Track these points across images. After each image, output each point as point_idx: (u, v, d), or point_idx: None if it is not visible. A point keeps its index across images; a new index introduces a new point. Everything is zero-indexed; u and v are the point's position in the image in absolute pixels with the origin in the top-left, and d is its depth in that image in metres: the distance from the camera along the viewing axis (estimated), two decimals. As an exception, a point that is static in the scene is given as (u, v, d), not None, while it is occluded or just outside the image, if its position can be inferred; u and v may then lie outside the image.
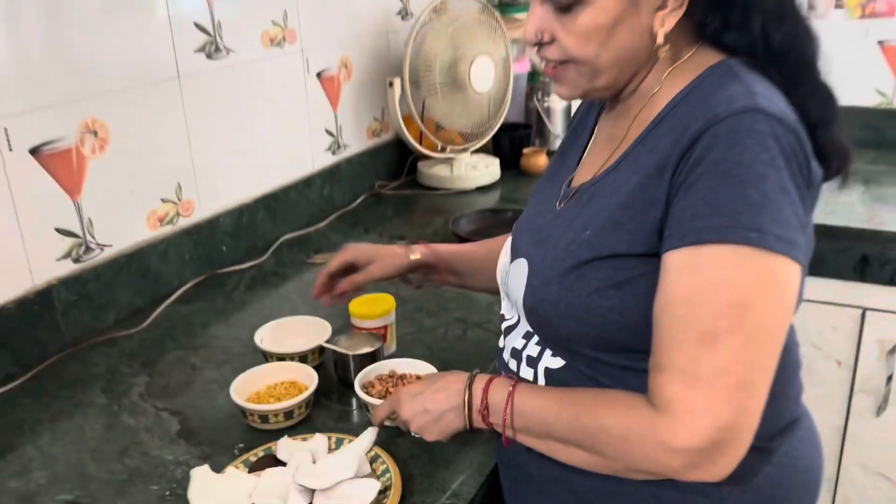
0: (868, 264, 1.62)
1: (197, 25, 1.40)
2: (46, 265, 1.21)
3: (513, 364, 0.89)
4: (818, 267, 1.65)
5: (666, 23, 0.76)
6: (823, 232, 1.63)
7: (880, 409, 1.68)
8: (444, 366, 1.05)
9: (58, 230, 1.22)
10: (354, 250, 1.09)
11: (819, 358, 1.72)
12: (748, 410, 0.68)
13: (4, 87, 1.11)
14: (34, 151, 1.16)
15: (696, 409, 0.67)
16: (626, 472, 0.75)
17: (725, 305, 0.67)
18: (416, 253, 1.10)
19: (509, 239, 0.94)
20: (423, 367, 1.05)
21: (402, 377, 1.04)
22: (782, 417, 0.82)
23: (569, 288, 0.77)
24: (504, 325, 0.93)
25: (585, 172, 0.86)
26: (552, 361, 0.83)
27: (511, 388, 0.81)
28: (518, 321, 0.90)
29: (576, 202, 0.83)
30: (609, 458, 0.74)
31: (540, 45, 0.80)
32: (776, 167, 0.68)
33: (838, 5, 2.19)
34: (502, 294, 0.95)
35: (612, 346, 0.77)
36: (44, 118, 1.17)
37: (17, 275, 1.17)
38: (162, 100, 1.36)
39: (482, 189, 1.96)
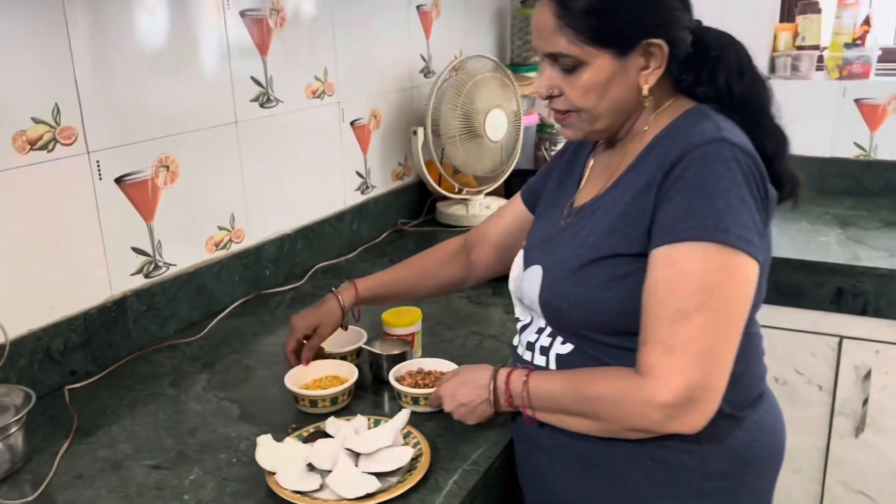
0: (843, 296, 1.79)
1: (253, 79, 1.63)
2: (123, 278, 1.41)
3: (527, 355, 1.07)
4: (798, 298, 1.83)
5: (649, 80, 0.97)
6: (802, 267, 1.81)
7: (858, 431, 1.83)
8: (463, 367, 1.23)
9: (133, 249, 1.42)
10: (300, 326, 1.24)
11: (801, 383, 1.88)
12: (714, 373, 0.86)
13: (98, 127, 1.32)
14: (118, 181, 1.37)
15: (672, 370, 0.85)
16: (622, 432, 0.92)
17: (695, 289, 0.86)
18: (346, 302, 1.26)
19: (520, 253, 1.13)
20: (445, 365, 1.23)
21: (428, 373, 1.22)
22: (751, 392, 1.01)
23: (577, 283, 0.96)
24: (519, 326, 1.12)
25: (586, 195, 1.06)
26: (562, 348, 1.02)
27: (526, 377, 1.00)
28: (531, 320, 1.08)
29: (580, 217, 1.03)
30: (607, 420, 0.92)
31: (550, 97, 1.01)
32: (737, 183, 0.88)
33: (819, 68, 2.42)
34: (515, 300, 1.13)
35: (613, 329, 0.96)
36: (128, 153, 1.38)
37: (100, 285, 1.37)
38: (222, 141, 1.58)
39: (495, 228, 2.15)
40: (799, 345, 1.86)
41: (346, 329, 1.30)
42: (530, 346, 1.07)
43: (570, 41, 0.94)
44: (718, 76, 0.98)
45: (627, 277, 0.93)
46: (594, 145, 1.12)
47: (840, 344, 1.82)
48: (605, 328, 0.96)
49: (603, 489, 0.99)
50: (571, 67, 0.96)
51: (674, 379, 0.85)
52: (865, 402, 1.81)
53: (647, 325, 0.89)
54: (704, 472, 0.95)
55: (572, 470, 1.01)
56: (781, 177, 0.99)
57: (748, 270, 0.88)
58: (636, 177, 0.96)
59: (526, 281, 1.06)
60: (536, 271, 1.04)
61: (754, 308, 0.98)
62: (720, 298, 0.86)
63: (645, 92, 0.97)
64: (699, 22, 1.01)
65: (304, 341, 1.24)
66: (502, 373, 1.03)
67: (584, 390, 0.93)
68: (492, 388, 1.03)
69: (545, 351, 1.04)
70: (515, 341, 1.13)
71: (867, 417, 1.82)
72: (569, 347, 1.01)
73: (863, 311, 1.77)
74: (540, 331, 1.06)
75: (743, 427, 0.98)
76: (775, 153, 0.98)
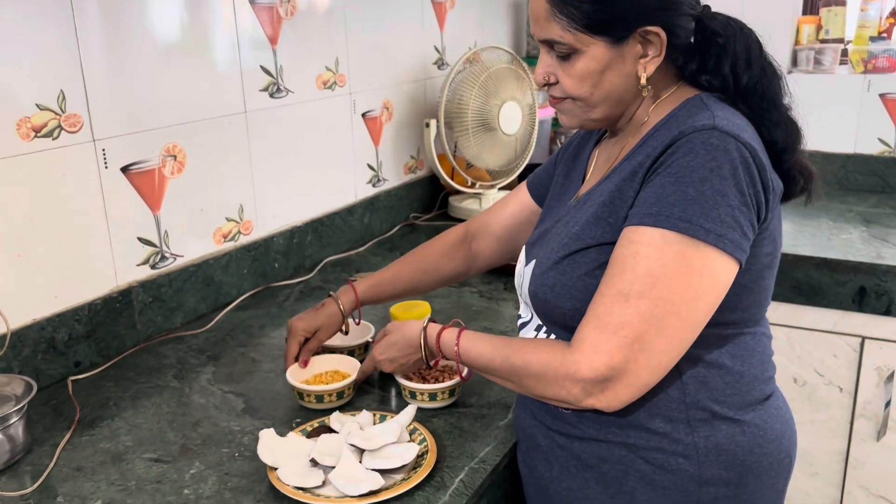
0: (866, 295, 1.74)
1: (262, 68, 1.61)
2: (128, 269, 1.39)
3: None
4: (819, 297, 1.78)
5: (647, 68, 0.93)
6: (824, 265, 1.76)
7: (880, 434, 1.78)
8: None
9: (140, 239, 1.40)
10: (299, 329, 1.22)
11: (821, 384, 1.83)
12: (638, 360, 0.83)
13: (104, 114, 1.31)
14: (125, 170, 1.36)
15: (599, 348, 0.84)
16: (542, 399, 0.92)
17: (641, 274, 0.83)
18: (346, 306, 1.24)
19: (524, 249, 1.10)
20: (453, 362, 1.20)
21: (434, 366, 1.19)
22: (752, 394, 0.95)
23: (562, 272, 0.94)
24: (519, 323, 1.09)
25: (585, 188, 1.03)
26: None
27: (458, 337, 1.00)
28: (531, 318, 1.05)
29: (575, 210, 1.00)
30: (529, 389, 0.92)
31: (547, 84, 0.98)
32: (719, 175, 0.83)
33: (843, 62, 2.36)
34: (519, 296, 1.10)
35: None
36: (134, 142, 1.37)
37: (105, 275, 1.35)
38: (231, 131, 1.56)
39: (508, 222, 2.12)
40: (819, 345, 1.81)
41: (346, 333, 1.28)
42: None
43: (563, 28, 0.91)
44: (724, 64, 0.93)
45: None
46: (600, 136, 1.09)
47: (862, 344, 1.77)
48: None
49: (598, 492, 0.95)
50: (566, 55, 0.93)
51: (598, 357, 0.83)
52: (888, 404, 1.76)
53: (594, 298, 0.87)
54: (702, 477, 0.91)
55: (568, 472, 0.97)
56: (792, 171, 0.94)
57: (712, 266, 0.84)
58: (627, 167, 0.93)
59: (524, 276, 1.04)
60: (531, 266, 1.01)
61: (758, 306, 0.94)
62: (665, 288, 0.83)
63: (643, 81, 0.93)
64: (707, 7, 0.96)
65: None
66: (432, 328, 1.05)
67: (512, 357, 0.92)
68: (422, 344, 1.05)
69: None
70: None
71: (889, 420, 1.77)
72: None
73: (886, 312, 1.72)
74: (538, 328, 1.02)
75: (745, 431, 0.93)
76: (786, 146, 0.93)
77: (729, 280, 0.86)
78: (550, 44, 0.94)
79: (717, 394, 0.91)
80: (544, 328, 1.01)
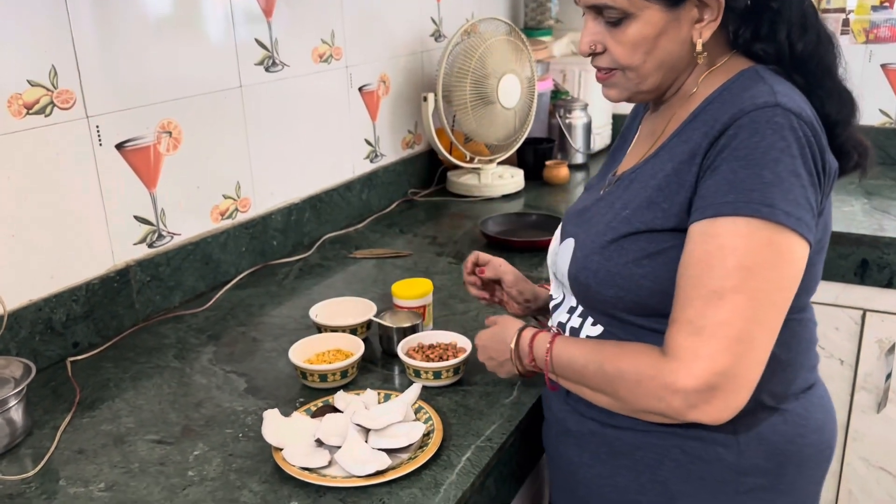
0: (868, 268, 1.73)
1: (257, 41, 1.57)
2: (126, 248, 1.37)
3: None
4: (821, 270, 1.77)
5: (703, 34, 0.87)
6: (826, 237, 1.75)
7: (880, 406, 1.79)
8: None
9: (136, 217, 1.38)
10: (508, 272, 1.18)
11: (823, 357, 1.82)
12: (745, 361, 0.78)
13: (98, 91, 1.27)
14: (119, 147, 1.33)
15: (699, 355, 0.77)
16: (639, 413, 0.86)
17: (733, 268, 0.77)
18: (534, 292, 1.19)
19: (559, 226, 1.06)
20: (456, 338, 1.19)
21: (438, 346, 1.18)
22: (798, 383, 0.92)
23: (608, 258, 0.89)
24: (552, 304, 1.06)
25: (628, 163, 0.99)
26: (592, 330, 0.95)
27: (551, 342, 0.94)
28: (563, 299, 1.02)
29: (617, 187, 0.95)
30: (624, 400, 0.86)
31: (593, 55, 0.93)
32: (790, 154, 0.79)
33: (844, 31, 2.33)
34: (551, 275, 1.07)
35: (644, 310, 0.89)
36: (128, 118, 1.33)
37: (102, 255, 1.33)
38: (226, 106, 1.52)
39: (507, 197, 2.10)
40: (821, 318, 1.74)
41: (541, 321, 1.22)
42: (561, 327, 1.01)
43: None
44: (779, 31, 0.87)
45: (662, 254, 0.86)
46: (646, 109, 1.04)
47: (863, 317, 1.77)
48: (636, 308, 0.89)
49: (630, 480, 0.92)
50: (617, 20, 0.87)
51: (700, 364, 0.77)
52: (888, 377, 1.76)
53: (679, 304, 0.81)
54: (741, 467, 0.88)
55: (599, 458, 0.95)
56: (846, 145, 0.90)
57: (795, 251, 0.80)
58: (679, 145, 0.87)
59: (560, 255, 0.99)
60: (569, 244, 0.97)
61: (807, 292, 0.90)
62: (761, 279, 0.78)
63: (699, 48, 0.88)
64: None
65: (478, 272, 1.20)
66: (527, 332, 0.98)
67: (605, 365, 0.87)
68: (514, 346, 0.98)
69: (575, 332, 0.98)
70: (549, 322, 1.08)
71: (889, 392, 1.77)
72: (599, 330, 0.95)
73: (888, 284, 1.72)
74: (571, 310, 0.99)
75: (787, 420, 0.90)
76: (839, 119, 0.88)
77: (804, 264, 0.82)
78: (599, 9, 0.88)
79: (762, 383, 0.83)
80: (579, 310, 0.98)
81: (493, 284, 1.22)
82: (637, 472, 0.91)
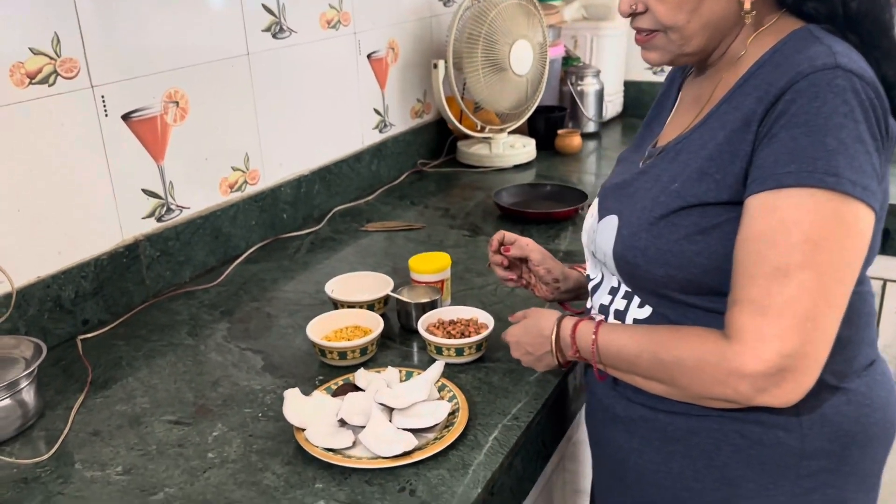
0: (889, 237, 1.70)
1: (264, 7, 1.52)
2: (134, 222, 1.33)
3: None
4: (841, 240, 1.74)
5: None
6: (847, 207, 1.72)
7: (899, 377, 1.77)
8: (495, 316, 1.15)
9: (144, 191, 1.34)
10: (534, 251, 1.13)
11: (841, 328, 1.81)
12: (815, 340, 0.73)
13: (102, 59, 1.22)
14: (126, 117, 1.28)
15: (765, 336, 0.73)
16: (701, 399, 0.82)
17: (798, 242, 0.73)
18: (563, 272, 1.14)
19: (595, 202, 1.01)
20: (477, 313, 1.16)
21: (458, 322, 1.15)
22: (859, 359, 0.87)
23: (658, 235, 0.84)
24: (591, 286, 1.01)
25: (670, 133, 0.93)
26: (639, 312, 0.90)
27: (595, 331, 0.89)
28: (602, 279, 0.97)
29: (661, 159, 0.90)
30: (684, 388, 0.81)
31: (633, 15, 0.88)
32: (854, 119, 0.74)
33: None
34: (587, 254, 1.02)
35: (699, 288, 0.83)
36: (134, 87, 1.29)
37: (110, 229, 1.29)
38: (234, 75, 1.47)
39: (519, 167, 2.06)
40: None
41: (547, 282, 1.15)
42: (604, 310, 0.96)
43: None
44: None
45: (716, 229, 0.81)
46: (685, 74, 0.99)
47: (884, 287, 1.74)
48: (689, 287, 0.84)
49: (685, 466, 0.88)
50: None
51: (767, 345, 0.73)
52: (908, 347, 1.74)
53: (740, 283, 0.76)
54: (804, 450, 0.84)
55: (651, 444, 0.91)
56: None
57: (862, 221, 0.74)
58: (730, 111, 0.82)
59: (600, 233, 0.94)
60: (612, 222, 0.91)
61: (866, 263, 0.85)
62: (828, 254, 0.73)
63: (747, 6, 0.82)
64: None
65: (503, 251, 1.15)
66: (567, 322, 0.93)
67: (660, 353, 0.82)
68: (554, 338, 0.94)
69: (620, 315, 0.93)
70: (588, 303, 1.03)
71: (909, 363, 1.75)
72: (647, 311, 0.90)
73: (909, 254, 1.69)
74: (613, 291, 0.95)
75: (850, 399, 0.85)
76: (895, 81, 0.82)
77: (871, 236, 0.77)
78: None
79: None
80: (622, 291, 0.93)
81: (519, 265, 1.18)
82: (692, 458, 0.88)
